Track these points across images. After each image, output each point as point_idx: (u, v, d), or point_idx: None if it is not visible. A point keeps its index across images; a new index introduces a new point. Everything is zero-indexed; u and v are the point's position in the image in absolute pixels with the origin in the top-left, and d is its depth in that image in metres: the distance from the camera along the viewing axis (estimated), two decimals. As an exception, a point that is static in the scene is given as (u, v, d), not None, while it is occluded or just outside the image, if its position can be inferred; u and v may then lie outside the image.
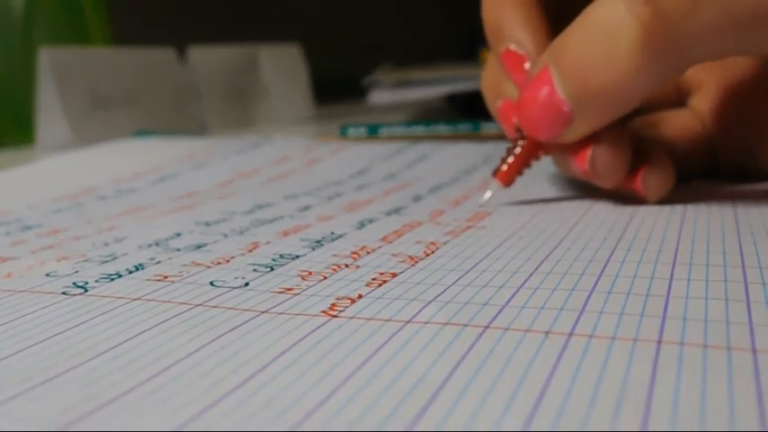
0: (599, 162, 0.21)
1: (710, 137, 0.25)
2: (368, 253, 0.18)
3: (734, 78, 0.25)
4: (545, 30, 0.22)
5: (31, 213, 0.26)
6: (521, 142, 0.22)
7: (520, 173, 0.22)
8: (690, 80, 0.26)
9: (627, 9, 0.18)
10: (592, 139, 0.20)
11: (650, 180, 0.21)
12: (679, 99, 0.27)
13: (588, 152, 0.21)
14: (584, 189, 0.25)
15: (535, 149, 0.22)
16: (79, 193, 0.30)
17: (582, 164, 0.21)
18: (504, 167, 0.22)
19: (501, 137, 0.37)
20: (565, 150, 0.21)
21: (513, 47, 0.22)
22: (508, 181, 0.22)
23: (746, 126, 0.24)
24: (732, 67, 0.25)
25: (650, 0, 0.18)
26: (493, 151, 0.33)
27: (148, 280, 0.16)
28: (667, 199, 0.22)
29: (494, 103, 0.25)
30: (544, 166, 0.24)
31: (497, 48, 0.22)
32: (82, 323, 0.13)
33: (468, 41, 0.81)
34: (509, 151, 0.22)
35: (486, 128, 0.38)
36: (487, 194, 0.22)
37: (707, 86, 0.26)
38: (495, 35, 0.22)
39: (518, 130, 0.22)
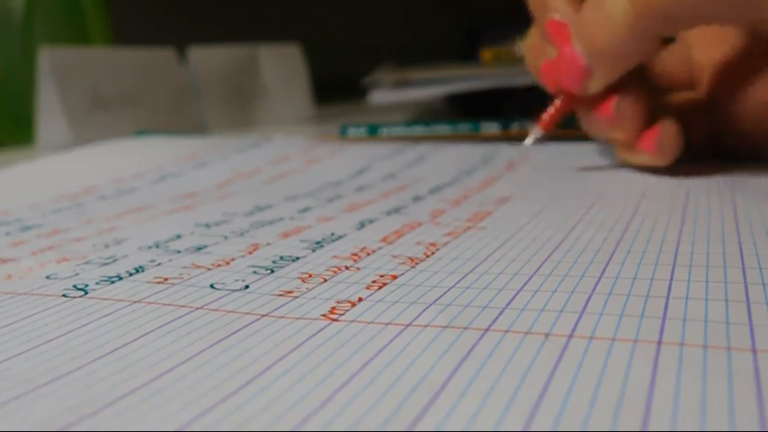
0: (622, 107, 0.25)
1: (712, 109, 0.27)
2: (368, 254, 0.18)
3: (736, 53, 0.28)
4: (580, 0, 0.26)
5: (31, 213, 0.26)
6: (561, 96, 0.27)
7: (558, 123, 0.27)
8: (700, 63, 0.29)
9: None
10: (616, 90, 0.25)
11: (663, 139, 0.25)
12: (690, 82, 0.29)
13: (613, 101, 0.25)
14: (586, 187, 0.25)
15: (570, 102, 0.27)
16: (79, 193, 0.30)
17: (607, 111, 0.25)
18: (546, 117, 0.28)
19: (501, 137, 0.37)
20: (592, 104, 0.26)
21: (556, 17, 0.26)
22: (549, 127, 0.27)
23: (748, 94, 0.26)
24: (734, 43, 0.28)
25: None
26: (493, 151, 0.33)
27: (149, 282, 0.16)
28: (672, 172, 0.25)
29: (535, 64, 0.29)
30: (545, 164, 0.24)
31: (542, 18, 0.27)
32: (83, 326, 0.13)
33: (468, 41, 0.81)
34: (551, 105, 0.27)
35: (486, 128, 0.38)
36: (529, 139, 0.28)
37: (711, 67, 0.28)
38: (540, 8, 0.27)
39: (557, 86, 0.26)
